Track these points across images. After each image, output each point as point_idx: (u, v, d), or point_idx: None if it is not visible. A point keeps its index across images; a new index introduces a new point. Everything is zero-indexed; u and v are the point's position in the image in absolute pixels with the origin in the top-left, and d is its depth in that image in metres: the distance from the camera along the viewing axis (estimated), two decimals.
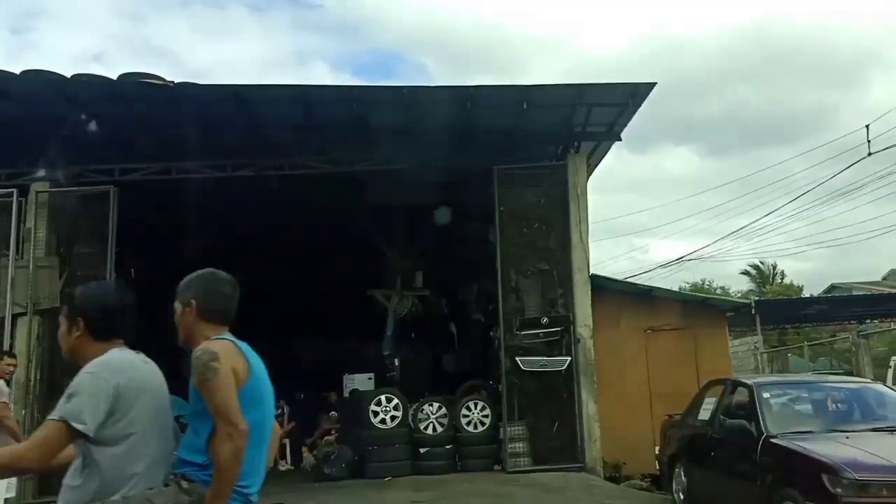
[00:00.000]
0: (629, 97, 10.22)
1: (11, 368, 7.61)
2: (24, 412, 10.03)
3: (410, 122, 10.82)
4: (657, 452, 9.05)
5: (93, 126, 10.80)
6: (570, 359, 10.32)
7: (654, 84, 9.92)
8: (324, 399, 15.53)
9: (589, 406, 10.29)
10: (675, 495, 8.05)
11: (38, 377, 10.29)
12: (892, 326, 25.13)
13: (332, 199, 13.41)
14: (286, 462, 14.06)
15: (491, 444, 10.60)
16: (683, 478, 7.79)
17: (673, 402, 10.03)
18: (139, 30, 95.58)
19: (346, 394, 15.15)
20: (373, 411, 10.79)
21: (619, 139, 11.38)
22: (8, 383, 7.41)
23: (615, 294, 11.28)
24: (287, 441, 14.45)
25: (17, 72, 9.67)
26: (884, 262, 53.11)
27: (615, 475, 10.35)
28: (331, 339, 18.42)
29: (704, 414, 7.54)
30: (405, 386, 12.66)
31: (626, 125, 11.10)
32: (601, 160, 12.77)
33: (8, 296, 10.25)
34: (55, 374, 10.47)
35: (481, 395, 11.16)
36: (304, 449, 14.26)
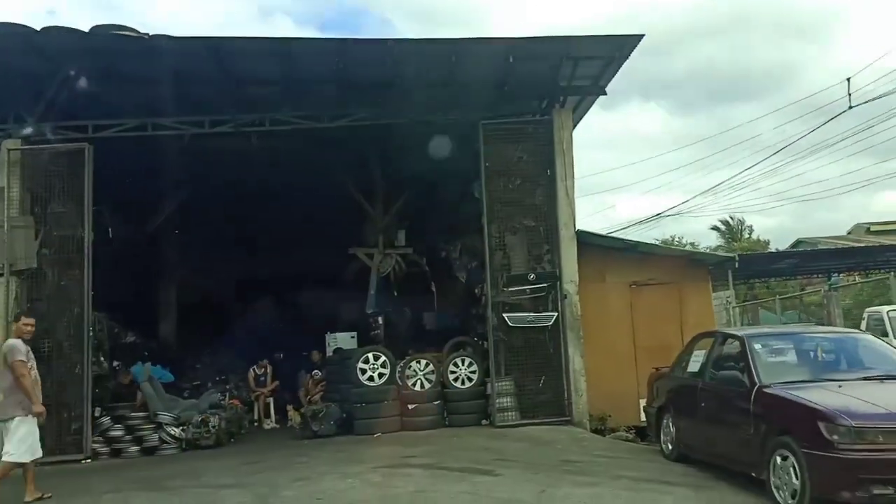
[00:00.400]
0: (616, 50, 10.11)
1: (29, 328, 7.63)
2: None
3: (394, 77, 10.60)
4: (645, 404, 9.19)
5: (64, 81, 10.40)
6: (556, 314, 10.38)
7: (641, 36, 9.82)
8: (306, 358, 15.52)
9: (575, 361, 10.40)
10: (664, 446, 8.20)
11: None
12: (858, 280, 25.78)
13: (313, 156, 13.18)
14: (271, 420, 14.08)
15: (478, 400, 10.68)
16: (672, 428, 7.92)
17: (658, 356, 10.15)
18: None
19: (329, 353, 15.15)
20: (360, 369, 10.79)
21: (604, 93, 11.30)
22: (26, 343, 7.44)
23: (600, 249, 11.31)
24: (271, 400, 14.48)
25: None
26: (845, 218, 54.20)
27: (600, 428, 10.51)
28: (312, 299, 18.33)
29: (694, 366, 7.64)
30: (389, 344, 12.69)
31: (611, 79, 11.03)
32: (584, 115, 12.70)
33: None
34: (34, 334, 10.27)
35: (467, 352, 11.21)
36: (289, 407, 14.27)
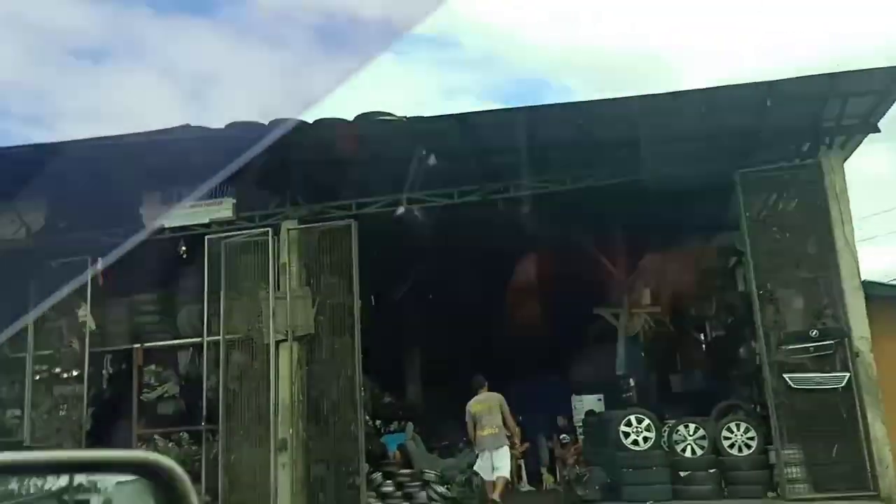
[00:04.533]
0: (891, 82, 9.09)
1: None
2: (290, 430, 10.77)
3: (638, 134, 10.36)
4: None
5: (334, 165, 11.52)
6: (848, 375, 9.23)
7: None
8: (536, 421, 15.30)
9: (876, 427, 9.13)
10: None
11: (300, 398, 10.98)
12: None
13: (551, 218, 13.22)
14: (524, 483, 13.90)
15: (761, 469, 9.74)
16: None
17: None
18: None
19: (575, 416, 14.81)
20: (623, 432, 10.35)
21: (877, 130, 10.20)
22: None
23: (890, 301, 9.96)
24: (522, 461, 14.33)
25: (266, 122, 10.49)
26: None
27: None
28: (556, 361, 18.17)
29: None
30: (643, 406, 12.08)
31: (884, 114, 9.93)
32: (850, 155, 11.48)
33: (270, 325, 11.10)
34: (313, 394, 11.21)
35: (740, 416, 10.32)
36: (543, 470, 14.07)
